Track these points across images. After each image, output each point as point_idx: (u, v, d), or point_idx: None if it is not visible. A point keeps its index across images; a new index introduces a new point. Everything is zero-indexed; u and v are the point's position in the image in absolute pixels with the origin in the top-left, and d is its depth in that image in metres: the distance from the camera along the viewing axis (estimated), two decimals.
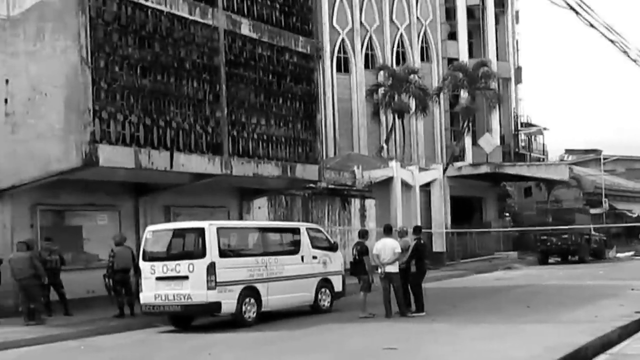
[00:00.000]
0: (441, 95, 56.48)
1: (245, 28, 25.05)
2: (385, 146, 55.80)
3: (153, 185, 24.93)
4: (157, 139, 21.87)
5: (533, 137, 78.57)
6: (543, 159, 76.09)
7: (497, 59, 67.87)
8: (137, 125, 21.32)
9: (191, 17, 23.02)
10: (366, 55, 59.35)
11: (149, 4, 21.61)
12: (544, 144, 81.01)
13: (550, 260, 45.43)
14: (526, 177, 56.41)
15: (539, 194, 61.02)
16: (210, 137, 23.72)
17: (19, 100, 20.71)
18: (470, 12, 68.04)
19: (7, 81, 20.85)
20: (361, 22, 59.03)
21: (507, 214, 59.83)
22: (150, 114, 21.73)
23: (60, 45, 20.04)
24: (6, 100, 20.87)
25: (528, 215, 57.49)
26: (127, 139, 21.05)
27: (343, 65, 58.04)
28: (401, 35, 61.69)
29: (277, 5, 26.54)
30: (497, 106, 58.61)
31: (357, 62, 58.31)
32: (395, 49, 61.23)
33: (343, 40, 57.73)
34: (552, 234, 45.69)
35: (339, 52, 57.51)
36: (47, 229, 22.56)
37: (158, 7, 21.90)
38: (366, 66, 58.99)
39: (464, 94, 56.31)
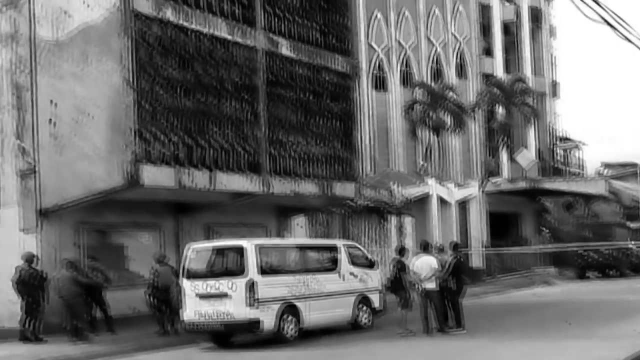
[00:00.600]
0: (477, 111, 56.49)
1: (285, 48, 25.37)
2: (425, 164, 55.89)
3: (194, 204, 25.22)
4: (198, 159, 22.19)
5: (570, 151, 78.19)
6: (581, 174, 75.66)
7: (534, 74, 67.72)
8: (179, 145, 21.65)
9: (232, 39, 23.36)
10: (403, 72, 59.48)
11: (190, 26, 21.98)
12: (581, 159, 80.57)
13: (589, 275, 45.18)
14: (564, 192, 56.16)
15: (577, 209, 60.73)
16: (251, 156, 24.00)
17: (64, 121, 21.11)
18: (506, 28, 67.96)
19: (55, 104, 21.28)
20: (398, 40, 59.20)
21: (546, 229, 59.54)
22: (192, 134, 22.06)
23: (104, 68, 20.45)
24: (54, 123, 21.29)
25: (566, 230, 57.22)
26: (169, 159, 21.37)
27: (380, 83, 58.22)
28: (437, 52, 61.75)
29: (316, 25, 26.83)
30: (534, 122, 58.50)
31: (394, 79, 58.45)
32: (431, 66, 61.25)
33: (380, 58, 57.92)
34: (591, 249, 45.47)
35: (375, 70, 57.68)
36: (91, 248, 22.91)
37: (199, 29, 22.27)
38: (403, 84, 59.12)
39: (500, 110, 56.27)
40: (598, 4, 16.87)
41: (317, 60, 26.67)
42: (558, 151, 74.09)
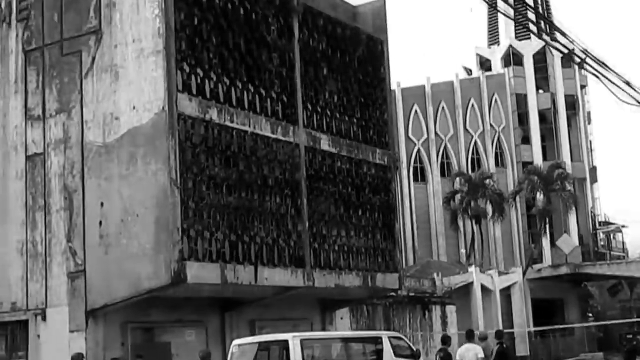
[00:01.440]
0: (517, 199, 56.65)
1: (325, 143, 25.81)
2: (466, 252, 55.92)
3: (238, 300, 25.25)
4: (242, 254, 22.36)
5: (612, 235, 77.74)
6: (623, 257, 75.07)
7: (572, 160, 67.89)
8: (222, 242, 21.89)
9: (273, 136, 23.82)
10: (442, 163, 59.97)
11: (233, 125, 22.46)
12: (623, 242, 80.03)
13: None
14: (607, 276, 55.71)
15: (622, 293, 60.18)
16: (293, 251, 24.20)
17: (111, 221, 21.42)
18: (542, 116, 68.43)
19: (102, 204, 21.65)
20: (436, 132, 59.81)
21: (590, 315, 58.93)
22: (235, 230, 22.33)
23: (151, 168, 20.79)
24: (100, 223, 21.68)
25: (612, 314, 56.62)
26: (214, 255, 21.60)
27: (419, 175, 58.68)
28: (475, 142, 62.22)
29: (355, 120, 27.35)
30: (574, 207, 58.51)
31: (433, 170, 58.88)
32: (470, 156, 61.71)
33: (419, 150, 58.46)
34: (637, 332, 44.87)
35: (415, 162, 58.20)
36: (137, 346, 22.86)
37: (242, 127, 22.74)
38: (442, 174, 59.54)
39: (540, 197, 56.40)
40: (631, 87, 17.20)
41: (357, 154, 27.09)
42: (600, 235, 73.78)
